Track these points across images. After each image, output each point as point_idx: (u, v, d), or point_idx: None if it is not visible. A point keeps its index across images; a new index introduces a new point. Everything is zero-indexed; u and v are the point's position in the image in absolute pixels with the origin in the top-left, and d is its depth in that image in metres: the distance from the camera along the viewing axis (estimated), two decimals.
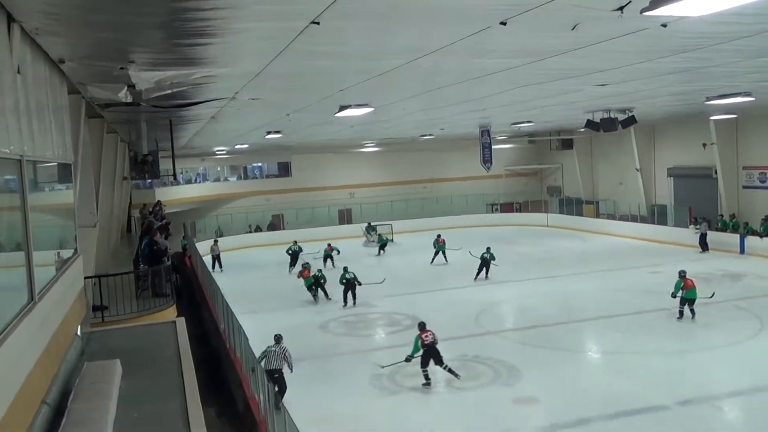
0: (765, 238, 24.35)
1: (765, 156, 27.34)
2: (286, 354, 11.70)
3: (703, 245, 25.54)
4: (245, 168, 40.45)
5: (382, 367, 13.37)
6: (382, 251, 29.73)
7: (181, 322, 10.30)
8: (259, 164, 40.75)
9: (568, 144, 38.75)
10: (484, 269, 22.62)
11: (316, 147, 36.30)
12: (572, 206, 36.51)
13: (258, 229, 36.37)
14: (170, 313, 11.67)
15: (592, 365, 14.08)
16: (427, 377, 12.65)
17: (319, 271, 20.91)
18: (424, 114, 17.95)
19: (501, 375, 13.08)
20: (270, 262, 28.96)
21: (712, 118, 26.23)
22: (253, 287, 23.41)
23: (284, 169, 39.67)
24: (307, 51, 7.45)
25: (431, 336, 12.82)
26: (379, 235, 31.44)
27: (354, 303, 19.55)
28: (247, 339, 11.15)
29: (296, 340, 14.97)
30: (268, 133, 21.27)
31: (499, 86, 12.17)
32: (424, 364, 12.69)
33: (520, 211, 39.30)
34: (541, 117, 22.53)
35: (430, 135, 30.25)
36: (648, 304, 18.03)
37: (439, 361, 12.76)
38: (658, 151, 33.45)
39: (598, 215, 35.12)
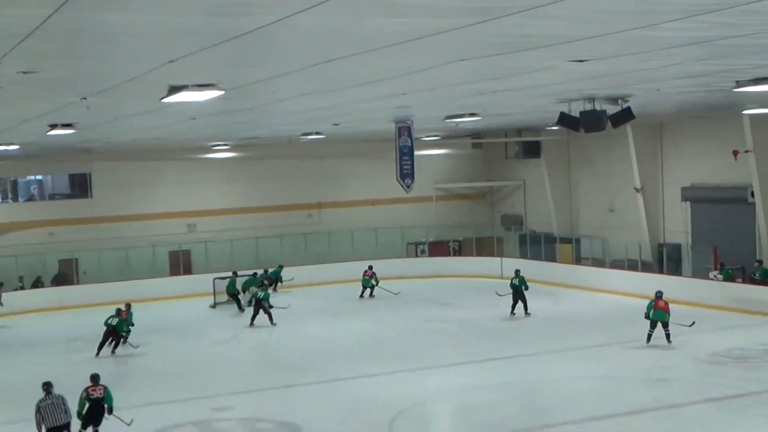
0: None
1: None
2: (64, 403, 13.78)
3: None
4: (14, 183, 39.37)
5: None
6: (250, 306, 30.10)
7: None
8: (38, 177, 39.81)
9: (533, 150, 39.81)
10: (520, 301, 27.38)
11: (132, 151, 35.74)
12: (540, 246, 37.45)
13: (38, 283, 35.49)
14: None
15: None
16: None
17: None
18: (308, 101, 18.10)
19: None
20: (56, 338, 28.31)
21: (745, 112, 27.66)
22: (24, 380, 22.65)
23: (80, 186, 38.85)
24: None
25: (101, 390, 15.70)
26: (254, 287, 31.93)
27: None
28: None
29: None
30: (53, 126, 20.90)
31: (424, 60, 12.44)
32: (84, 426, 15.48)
33: (461, 254, 39.92)
34: (492, 107, 23.10)
35: (317, 134, 30.46)
36: (654, 399, 18.64)
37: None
38: (667, 163, 34.92)
39: (578, 260, 36.16)
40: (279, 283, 35.31)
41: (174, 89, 13.82)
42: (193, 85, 13.66)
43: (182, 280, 35.73)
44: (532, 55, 12.18)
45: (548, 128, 35.49)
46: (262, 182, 39.98)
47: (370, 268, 34.30)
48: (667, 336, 23.19)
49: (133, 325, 26.24)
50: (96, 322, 29.60)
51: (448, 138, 40.03)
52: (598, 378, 20.84)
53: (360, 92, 16.74)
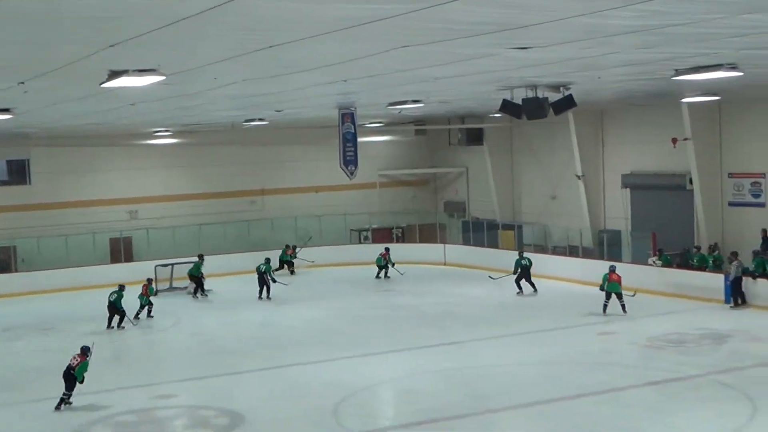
0: (759, 280, 26.23)
1: (758, 158, 29.69)
2: None
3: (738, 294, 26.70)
4: None
5: None
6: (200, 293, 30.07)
7: None
8: None
9: (476, 137, 40.04)
10: (524, 279, 29.46)
11: (72, 136, 35.28)
12: (482, 233, 37.71)
13: None
14: None
15: None
16: None
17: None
18: (250, 87, 18.02)
19: None
20: None
21: (684, 100, 28.07)
22: None
23: (18, 173, 38.26)
24: None
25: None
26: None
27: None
28: None
29: None
30: None
31: (367, 46, 12.44)
32: None
33: (404, 241, 40.07)
34: (435, 94, 23.18)
35: (260, 120, 30.36)
36: (597, 383, 18.87)
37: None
38: (608, 150, 35.35)
39: (521, 246, 36.44)
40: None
41: (114, 74, 13.67)
42: (134, 70, 13.51)
43: (123, 267, 35.31)
44: (474, 42, 12.22)
45: (491, 115, 35.68)
46: (205, 169, 39.71)
47: (387, 250, 35.03)
48: (623, 306, 25.53)
49: (150, 302, 27.85)
50: (34, 310, 29.31)
51: (392, 125, 40.07)
52: (540, 363, 21.06)
53: (302, 78, 16.69)
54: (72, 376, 18.10)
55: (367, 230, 40.86)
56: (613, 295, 25.61)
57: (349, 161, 28.36)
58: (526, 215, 39.15)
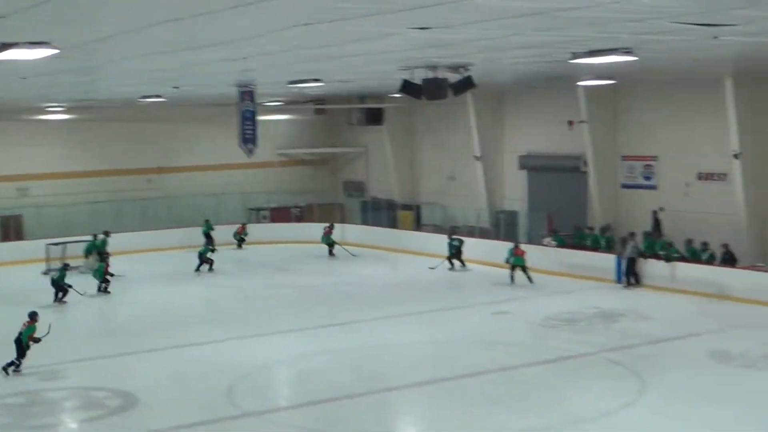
0: (649, 261, 26.89)
1: (650, 141, 30.39)
2: None
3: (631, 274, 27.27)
4: None
5: None
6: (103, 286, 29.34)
7: None
8: None
9: (375, 117, 40.06)
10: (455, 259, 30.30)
11: None
12: (381, 213, 37.81)
13: None
14: None
15: None
16: None
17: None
18: (147, 63, 17.71)
19: None
20: None
21: (580, 83, 28.54)
22: None
23: None
24: None
25: None
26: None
27: None
28: None
29: None
30: None
31: (266, 23, 12.31)
32: None
33: (302, 221, 39.97)
34: (336, 74, 23.12)
35: (157, 97, 29.89)
36: (491, 362, 19.15)
37: None
38: (506, 132, 35.76)
39: (419, 227, 36.72)
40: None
41: (3, 46, 13.28)
42: (25, 43, 13.16)
43: (13, 245, 34.47)
44: (374, 21, 12.18)
45: (391, 95, 35.71)
46: (100, 145, 38.85)
47: (331, 227, 35.16)
48: (529, 278, 27.28)
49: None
50: None
51: (292, 103, 39.87)
52: (435, 342, 21.25)
53: (200, 55, 16.45)
54: (20, 341, 18.67)
55: (265, 209, 40.58)
56: (519, 269, 27.27)
57: (248, 139, 28.14)
58: (425, 195, 39.37)
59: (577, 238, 29.90)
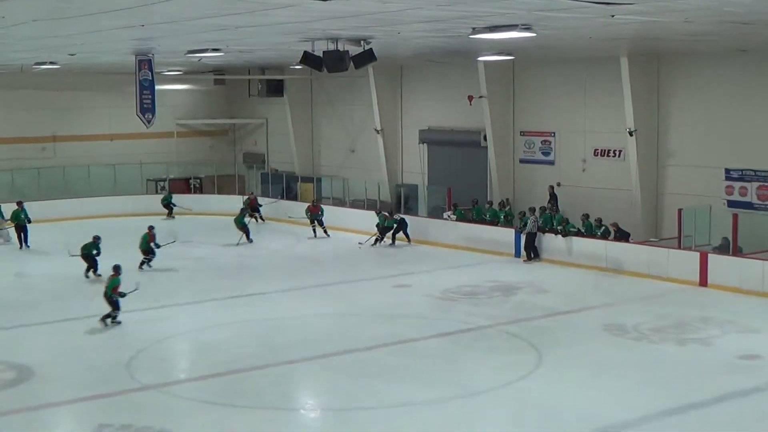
0: (547, 235, 27.37)
1: (548, 117, 30.88)
2: None
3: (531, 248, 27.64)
4: None
5: None
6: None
7: None
8: None
9: (276, 88, 39.88)
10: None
11: None
12: (281, 185, 37.70)
13: None
14: None
15: (305, 428, 14.72)
16: None
17: None
18: (41, 28, 17.29)
19: None
20: None
21: (480, 59, 28.80)
22: None
23: None
24: None
25: None
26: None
27: None
28: None
29: None
30: None
31: None
32: None
33: (202, 192, 39.64)
34: (235, 44, 22.89)
35: (52, 64, 29.23)
36: (391, 335, 19.27)
37: None
38: (406, 105, 35.92)
39: (319, 199, 36.67)
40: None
41: None
42: None
43: None
44: None
45: (292, 67, 35.56)
46: None
47: (315, 205, 32.85)
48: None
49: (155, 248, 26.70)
50: None
51: (191, 73, 39.42)
52: (336, 314, 21.35)
53: (96, 21, 16.09)
54: (106, 296, 19.60)
55: (164, 180, 40.08)
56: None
57: (146, 109, 27.68)
58: (325, 168, 39.39)
59: (476, 212, 30.24)
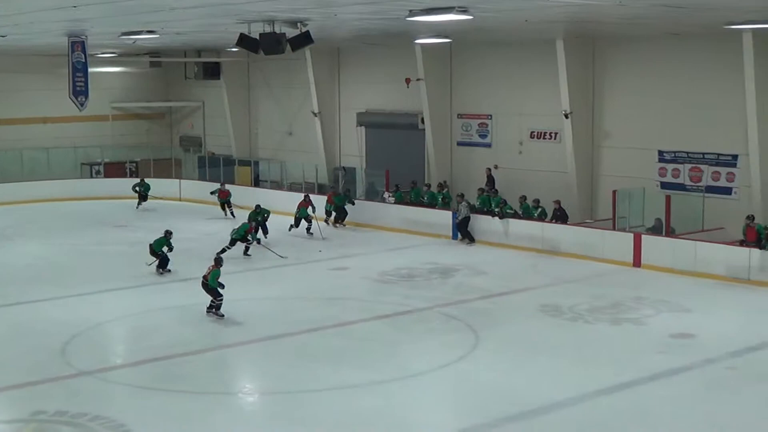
0: (484, 217, 27.58)
1: (485, 100, 31.02)
2: None
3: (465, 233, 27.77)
4: None
5: None
6: None
7: None
8: None
9: (213, 71, 39.68)
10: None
11: None
12: (218, 168, 37.47)
13: None
14: None
15: (245, 412, 14.69)
16: None
17: None
18: None
19: None
20: None
21: (418, 41, 28.85)
22: None
23: None
24: None
25: None
26: None
27: None
28: None
29: None
30: None
31: None
32: None
33: (138, 176, 39.23)
34: (171, 26, 22.67)
35: None
36: (329, 318, 19.37)
37: None
38: (344, 88, 35.87)
39: (257, 183, 36.56)
40: None
41: None
42: None
43: None
44: None
45: (228, 49, 35.33)
46: None
47: (307, 198, 29.36)
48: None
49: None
50: None
51: (126, 55, 38.95)
52: (274, 298, 21.35)
53: (27, 2, 15.84)
54: (208, 286, 19.20)
55: (99, 164, 39.57)
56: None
57: (80, 92, 27.28)
58: (263, 151, 39.27)
59: (414, 194, 30.33)
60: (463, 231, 27.38)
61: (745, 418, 13.64)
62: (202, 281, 19.43)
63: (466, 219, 27.29)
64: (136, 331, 19.23)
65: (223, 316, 19.08)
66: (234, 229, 25.77)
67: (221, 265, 19.67)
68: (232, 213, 32.29)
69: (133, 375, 16.07)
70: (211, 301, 19.29)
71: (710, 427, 13.28)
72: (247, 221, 26.60)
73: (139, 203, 34.68)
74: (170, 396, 14.85)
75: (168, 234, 23.94)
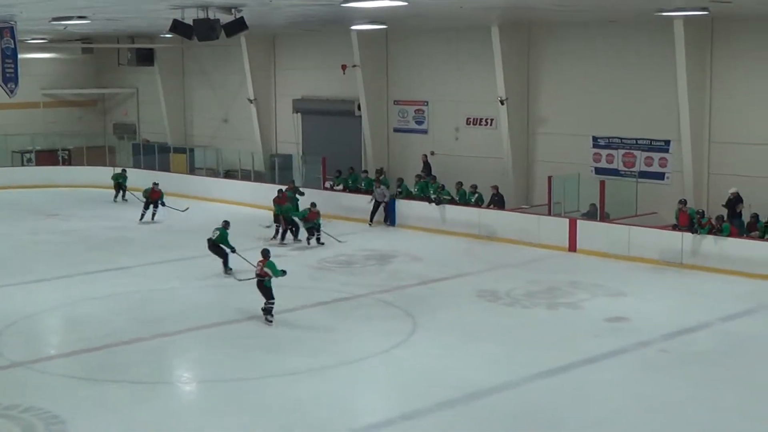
0: (420, 203, 27.72)
1: (421, 86, 31.12)
2: None
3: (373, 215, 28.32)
4: None
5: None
6: None
7: None
8: None
9: (146, 57, 39.23)
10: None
11: None
12: (153, 156, 37.13)
13: None
14: None
15: (183, 402, 14.66)
16: None
17: None
18: None
19: None
20: None
21: (354, 28, 28.82)
22: None
23: None
24: None
25: None
26: None
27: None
28: None
29: None
30: None
31: None
32: None
33: (71, 163, 38.80)
34: (102, 11, 22.40)
35: None
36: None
37: None
38: (280, 75, 35.74)
39: (192, 170, 36.31)
40: None
41: None
42: None
43: None
44: None
45: (162, 36, 34.99)
46: None
47: (314, 206, 26.25)
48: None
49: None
50: None
51: (57, 42, 38.39)
52: (212, 286, 21.31)
53: None
54: (263, 285, 17.98)
55: (30, 152, 38.97)
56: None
57: (9, 78, 26.78)
58: (198, 138, 39.01)
59: (351, 180, 30.32)
60: (372, 213, 28.13)
61: (677, 398, 13.90)
62: (258, 281, 18.11)
63: (378, 203, 27.98)
64: (69, 321, 19.04)
65: (271, 322, 17.91)
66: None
67: (270, 257, 18.31)
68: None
69: (66, 366, 15.88)
70: (265, 302, 18.02)
71: (643, 409, 13.51)
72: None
73: (117, 195, 33.72)
74: (105, 386, 14.72)
75: (225, 224, 22.58)
